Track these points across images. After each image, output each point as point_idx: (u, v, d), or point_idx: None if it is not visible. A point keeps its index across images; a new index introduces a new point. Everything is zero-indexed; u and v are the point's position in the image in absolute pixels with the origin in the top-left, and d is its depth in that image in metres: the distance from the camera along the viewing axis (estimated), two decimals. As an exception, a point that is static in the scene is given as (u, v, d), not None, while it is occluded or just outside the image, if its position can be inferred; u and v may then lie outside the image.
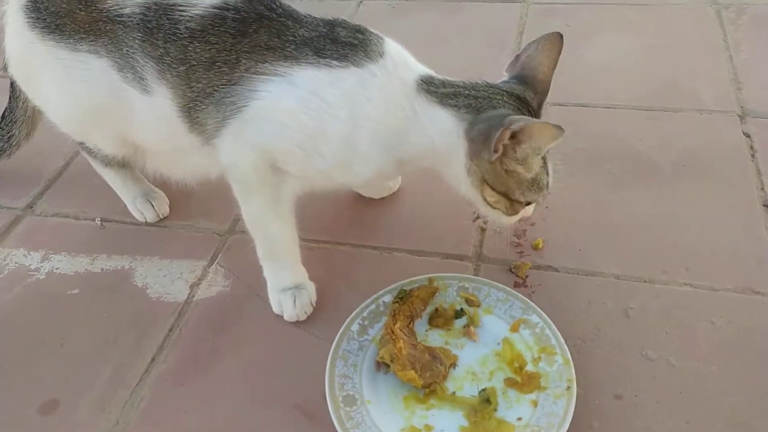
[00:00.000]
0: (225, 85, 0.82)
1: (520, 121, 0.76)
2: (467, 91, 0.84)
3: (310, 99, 0.80)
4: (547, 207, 1.08)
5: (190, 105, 0.85)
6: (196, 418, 0.86)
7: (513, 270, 0.99)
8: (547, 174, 0.87)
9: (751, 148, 1.15)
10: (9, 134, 1.15)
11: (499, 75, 0.89)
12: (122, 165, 1.12)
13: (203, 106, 0.84)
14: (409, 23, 1.60)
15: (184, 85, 0.84)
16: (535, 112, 0.86)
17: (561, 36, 0.87)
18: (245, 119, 0.82)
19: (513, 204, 0.86)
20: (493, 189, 0.84)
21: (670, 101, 1.27)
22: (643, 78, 1.34)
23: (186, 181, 1.03)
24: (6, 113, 1.14)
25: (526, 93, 0.86)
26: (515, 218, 0.89)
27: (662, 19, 1.51)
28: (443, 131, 0.83)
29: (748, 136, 1.18)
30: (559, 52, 0.87)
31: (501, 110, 0.82)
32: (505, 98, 0.84)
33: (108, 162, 1.09)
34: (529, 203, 0.88)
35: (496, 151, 0.78)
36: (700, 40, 1.42)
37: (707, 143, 1.17)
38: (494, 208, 0.86)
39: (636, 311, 0.92)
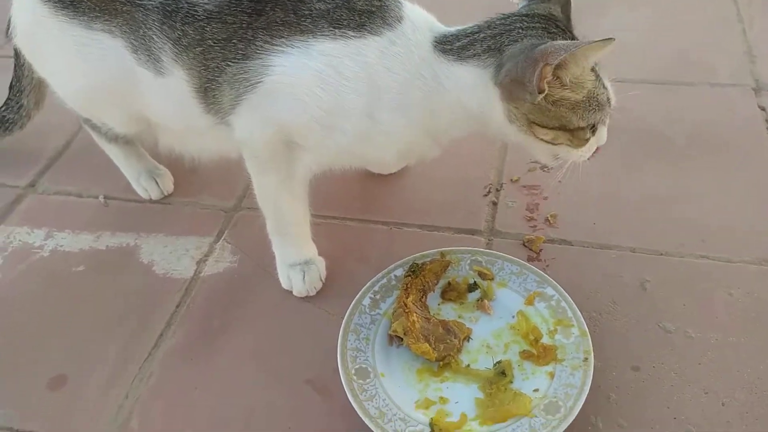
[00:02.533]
0: (239, 60, 0.79)
1: (558, 51, 0.68)
2: (482, 33, 0.77)
3: (326, 73, 0.76)
4: (560, 181, 1.06)
5: (206, 85, 0.82)
6: (206, 394, 0.84)
7: (526, 244, 0.98)
8: (604, 87, 0.78)
9: (767, 121, 1.13)
10: (18, 104, 1.12)
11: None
12: (127, 141, 1.10)
13: (218, 85, 0.81)
14: None
15: (201, 66, 0.81)
16: (564, 24, 0.78)
17: None
18: (260, 95, 0.79)
19: (575, 133, 0.77)
20: (544, 127, 0.76)
21: (682, 75, 1.25)
22: (654, 52, 1.32)
23: (201, 160, 1.01)
24: (13, 83, 1.11)
25: (551, 8, 0.78)
26: (589, 149, 0.81)
27: (673, -6, 1.49)
28: (468, 87, 0.77)
29: (763, 109, 1.16)
30: None
31: (526, 41, 0.73)
32: (526, 23, 0.75)
33: (113, 138, 1.07)
34: (593, 126, 0.78)
35: (541, 92, 0.71)
36: (712, 15, 1.40)
37: (721, 117, 1.16)
38: (556, 145, 0.79)
39: (652, 284, 0.91)
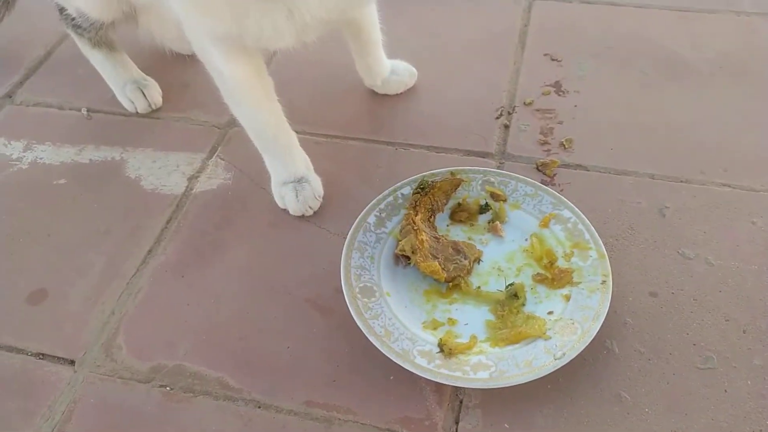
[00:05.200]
0: None
1: None
2: None
3: None
4: (576, 105, 1.01)
5: None
6: (198, 311, 0.79)
7: (540, 168, 0.92)
8: None
9: (793, 50, 1.08)
10: None
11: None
12: (111, 47, 1.02)
13: None
14: None
15: None
16: None
17: None
18: None
19: None
20: None
21: (704, 2, 1.18)
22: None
23: (182, 48, 0.93)
24: None
25: None
26: None
27: None
28: None
29: (789, 38, 1.10)
30: None
31: None
32: None
33: (96, 41, 0.99)
34: None
35: None
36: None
37: (745, 45, 1.09)
38: None
39: (672, 211, 0.86)
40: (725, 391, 0.69)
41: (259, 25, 0.68)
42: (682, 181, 0.90)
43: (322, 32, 0.77)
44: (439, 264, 0.77)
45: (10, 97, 1.11)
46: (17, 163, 0.99)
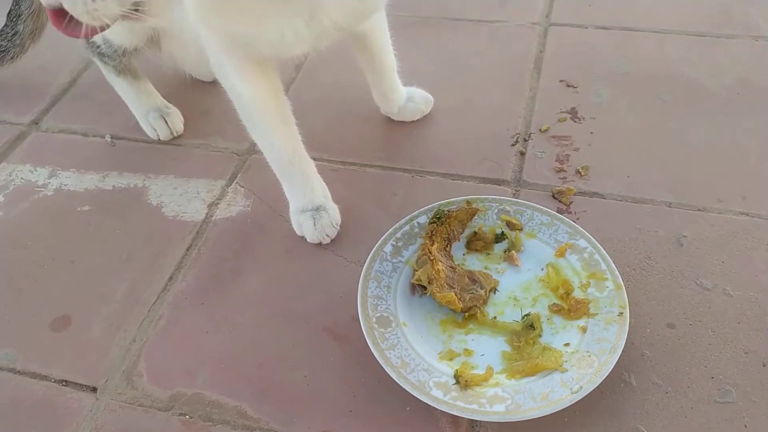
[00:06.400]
0: None
1: None
2: None
3: None
4: (592, 132, 1.01)
5: None
6: (217, 338, 0.80)
7: (556, 196, 0.93)
8: None
9: (812, 76, 1.07)
10: (13, 31, 1.06)
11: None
12: (135, 76, 1.05)
13: None
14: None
15: None
16: None
17: None
18: None
19: None
20: None
21: (722, 27, 1.18)
22: (693, 2, 1.24)
23: (202, 74, 0.95)
24: (12, 7, 1.05)
25: None
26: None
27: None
28: None
29: (808, 63, 1.09)
30: None
31: None
32: None
33: (121, 69, 1.01)
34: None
35: None
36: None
37: (764, 71, 1.09)
38: None
39: (690, 240, 0.86)
40: (745, 426, 0.68)
41: (278, 26, 0.68)
42: (699, 210, 0.89)
43: (335, 40, 0.77)
44: (455, 294, 0.77)
45: (37, 124, 1.14)
46: (42, 189, 1.01)
